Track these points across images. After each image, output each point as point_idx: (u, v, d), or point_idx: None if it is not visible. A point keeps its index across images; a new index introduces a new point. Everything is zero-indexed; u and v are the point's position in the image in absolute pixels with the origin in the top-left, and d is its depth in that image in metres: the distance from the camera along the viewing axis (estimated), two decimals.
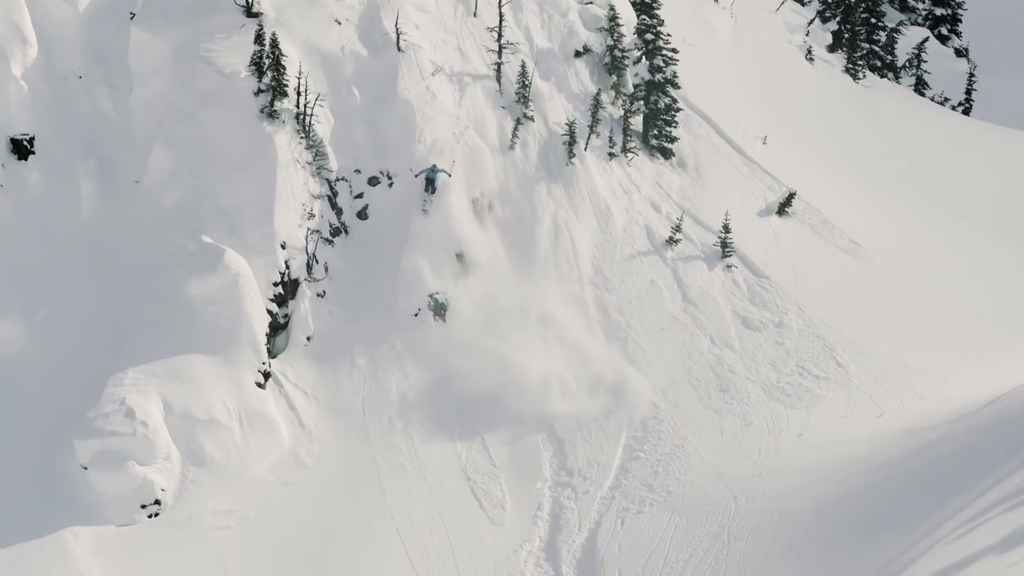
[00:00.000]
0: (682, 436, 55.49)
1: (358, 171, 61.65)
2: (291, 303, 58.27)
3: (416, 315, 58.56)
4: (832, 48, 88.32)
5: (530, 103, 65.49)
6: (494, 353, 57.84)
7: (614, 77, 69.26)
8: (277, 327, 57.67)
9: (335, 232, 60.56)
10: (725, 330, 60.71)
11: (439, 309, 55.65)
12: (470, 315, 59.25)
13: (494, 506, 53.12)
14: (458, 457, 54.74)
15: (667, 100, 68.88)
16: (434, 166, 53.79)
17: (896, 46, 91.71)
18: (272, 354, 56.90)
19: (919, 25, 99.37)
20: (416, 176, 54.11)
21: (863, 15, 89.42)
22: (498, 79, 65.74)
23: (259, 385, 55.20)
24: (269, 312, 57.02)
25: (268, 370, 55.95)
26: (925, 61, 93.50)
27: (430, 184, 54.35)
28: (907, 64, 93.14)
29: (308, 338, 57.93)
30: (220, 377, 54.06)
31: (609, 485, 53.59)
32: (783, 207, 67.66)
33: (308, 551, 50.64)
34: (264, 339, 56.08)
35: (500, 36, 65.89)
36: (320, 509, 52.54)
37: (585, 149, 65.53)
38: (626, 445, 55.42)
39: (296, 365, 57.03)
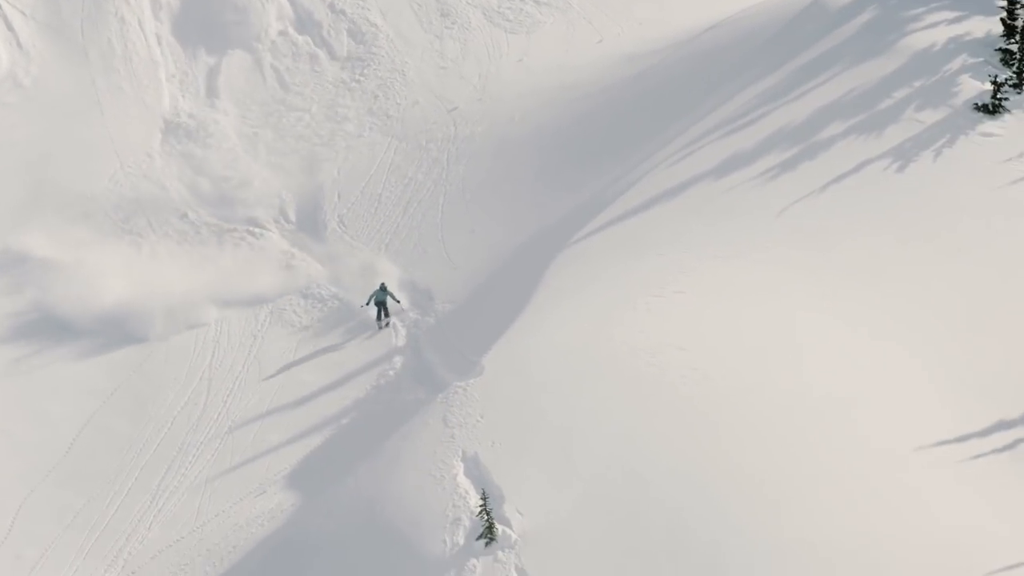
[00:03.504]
0: (402, 61, 52.10)
1: None
2: None
3: None
4: None
5: None
6: None
7: None
8: None
9: None
10: None
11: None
12: None
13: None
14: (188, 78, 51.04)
15: None
16: (383, 285, 41.50)
17: None
18: None
19: None
20: (366, 305, 41.74)
21: None
22: None
23: None
24: None
25: None
26: None
27: (382, 307, 41.43)
28: None
29: None
30: None
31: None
32: None
33: (25, 175, 47.13)
34: None
35: None
36: (38, 130, 48.83)
37: None
38: (343, 69, 51.83)
39: None
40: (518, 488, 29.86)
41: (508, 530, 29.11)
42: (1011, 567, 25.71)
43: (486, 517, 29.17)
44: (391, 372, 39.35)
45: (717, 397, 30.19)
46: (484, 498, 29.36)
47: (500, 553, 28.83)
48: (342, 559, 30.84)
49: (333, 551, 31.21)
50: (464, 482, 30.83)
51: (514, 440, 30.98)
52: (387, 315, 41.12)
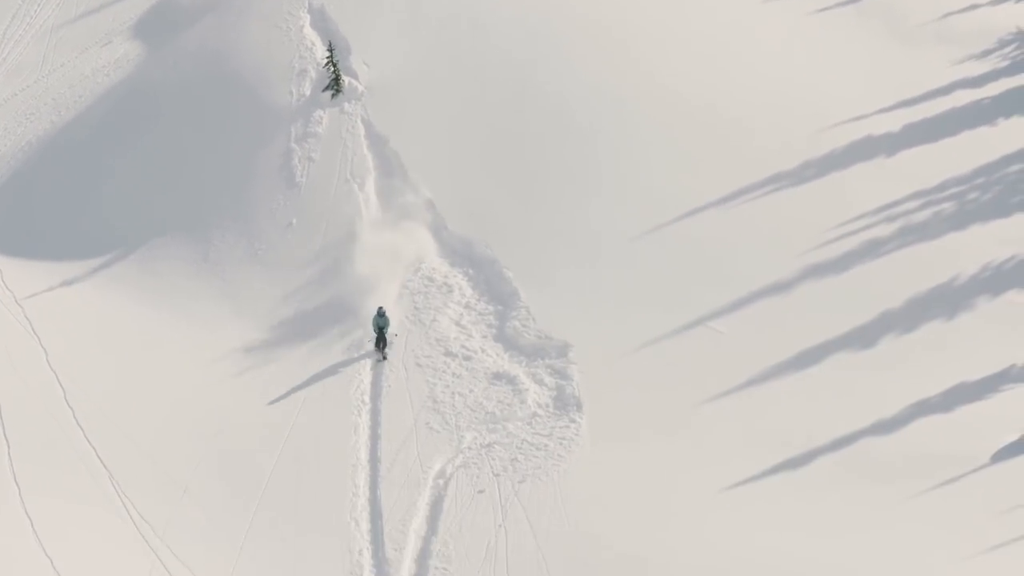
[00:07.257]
0: None
1: None
2: None
3: None
4: None
5: None
6: None
7: None
8: None
9: None
10: None
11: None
12: None
13: None
14: None
15: None
16: (380, 310, 28.44)
17: None
18: None
19: None
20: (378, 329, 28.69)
21: None
22: None
23: None
24: None
25: None
26: None
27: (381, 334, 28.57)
28: None
29: None
30: None
31: None
32: None
33: None
34: None
35: None
36: None
37: None
38: None
39: None
40: (365, 39, 28.53)
41: (355, 82, 28.05)
42: (854, 119, 25.24)
43: (333, 68, 28.10)
44: None
45: None
46: (331, 49, 28.27)
47: (347, 104, 27.81)
48: (188, 109, 29.30)
49: (178, 101, 29.59)
50: (311, 34, 29.45)
51: None
52: (384, 345, 28.45)
